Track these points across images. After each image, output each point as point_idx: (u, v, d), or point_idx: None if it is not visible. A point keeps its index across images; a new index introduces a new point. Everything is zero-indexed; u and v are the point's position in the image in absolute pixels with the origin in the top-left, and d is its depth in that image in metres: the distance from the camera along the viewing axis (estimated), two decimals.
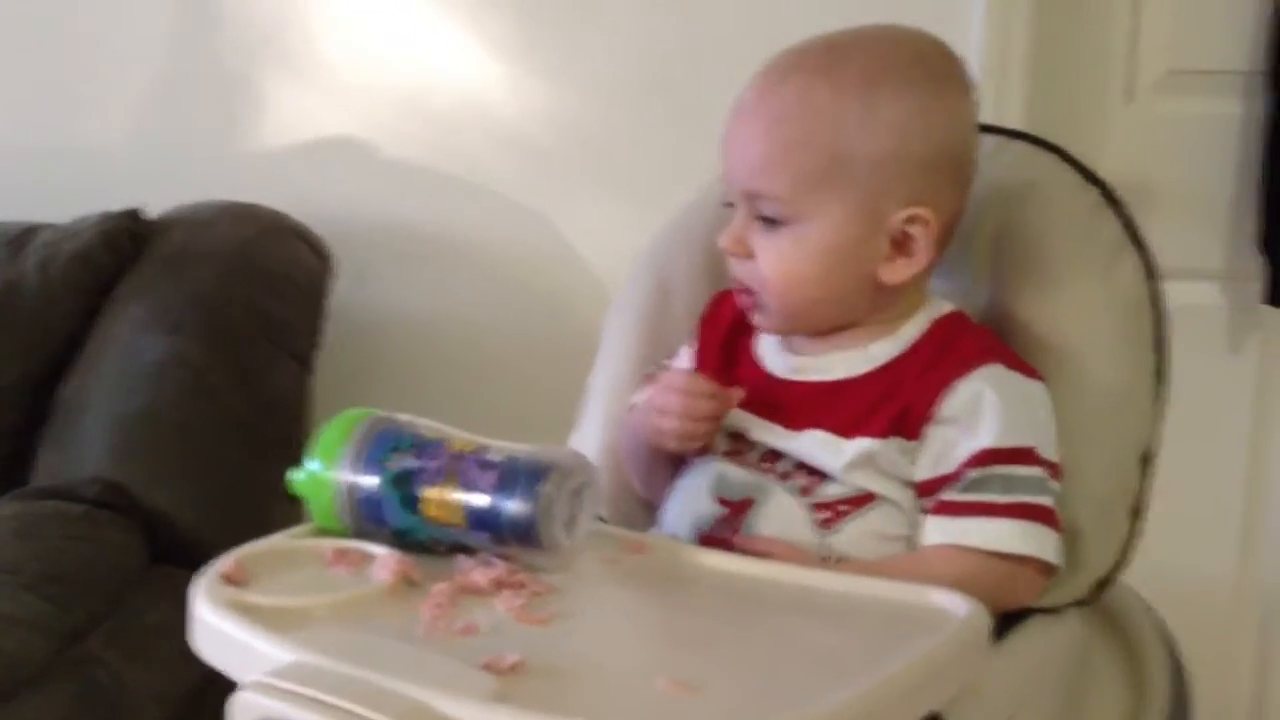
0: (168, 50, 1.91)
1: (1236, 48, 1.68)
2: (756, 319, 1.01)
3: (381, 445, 0.89)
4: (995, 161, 1.06)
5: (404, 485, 0.87)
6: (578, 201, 1.80)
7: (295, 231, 1.74)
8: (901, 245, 0.96)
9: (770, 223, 0.96)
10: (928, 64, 0.97)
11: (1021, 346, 1.00)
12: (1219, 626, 1.76)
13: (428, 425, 0.91)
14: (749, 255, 0.97)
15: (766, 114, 0.96)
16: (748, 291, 0.99)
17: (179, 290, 1.62)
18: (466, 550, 0.87)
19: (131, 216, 1.71)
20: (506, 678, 0.72)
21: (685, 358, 1.08)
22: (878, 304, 0.98)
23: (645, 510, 1.10)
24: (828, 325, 1.00)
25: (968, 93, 0.99)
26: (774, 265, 0.96)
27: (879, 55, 0.96)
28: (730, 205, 1.00)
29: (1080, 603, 1.00)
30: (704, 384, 0.99)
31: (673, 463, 1.04)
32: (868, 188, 0.94)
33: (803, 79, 0.95)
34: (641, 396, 1.08)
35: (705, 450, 1.02)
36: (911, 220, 0.95)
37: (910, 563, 0.94)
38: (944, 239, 0.98)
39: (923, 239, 0.96)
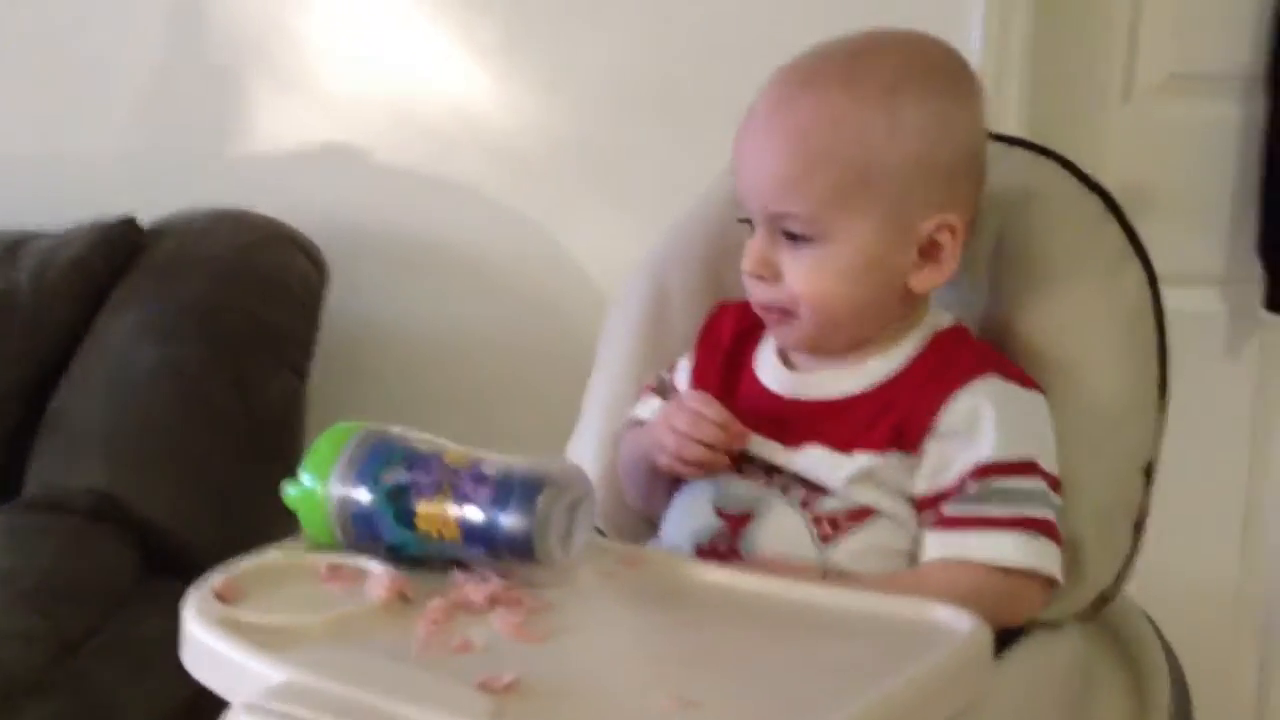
0: (161, 58, 1.90)
1: (1236, 51, 1.68)
2: (782, 334, 0.99)
3: (375, 459, 0.88)
4: (995, 169, 1.05)
5: (398, 500, 0.86)
6: (573, 210, 1.80)
7: (290, 239, 1.73)
8: (929, 253, 0.95)
9: (796, 239, 0.94)
10: (945, 70, 0.97)
11: (1022, 357, 0.99)
12: (1220, 634, 1.76)
13: (422, 438, 0.90)
14: (776, 277, 0.95)
15: (786, 129, 0.94)
16: (780, 310, 0.97)
17: (173, 298, 1.62)
18: (462, 565, 0.86)
19: (126, 224, 1.70)
20: (502, 697, 0.71)
21: (684, 370, 1.07)
22: (903, 313, 0.98)
23: (643, 523, 1.09)
24: (860, 338, 0.98)
25: (980, 97, 0.98)
26: (805, 284, 0.94)
27: (896, 63, 0.94)
28: (746, 222, 0.97)
29: (1082, 616, 1.00)
30: (717, 411, 0.97)
31: (671, 478, 1.03)
32: (896, 199, 0.93)
33: (821, 91, 0.93)
34: (642, 409, 1.08)
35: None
36: (940, 228, 0.94)
37: (912, 578, 0.93)
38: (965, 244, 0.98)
39: (950, 246, 0.95)
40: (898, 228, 0.94)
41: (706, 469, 0.98)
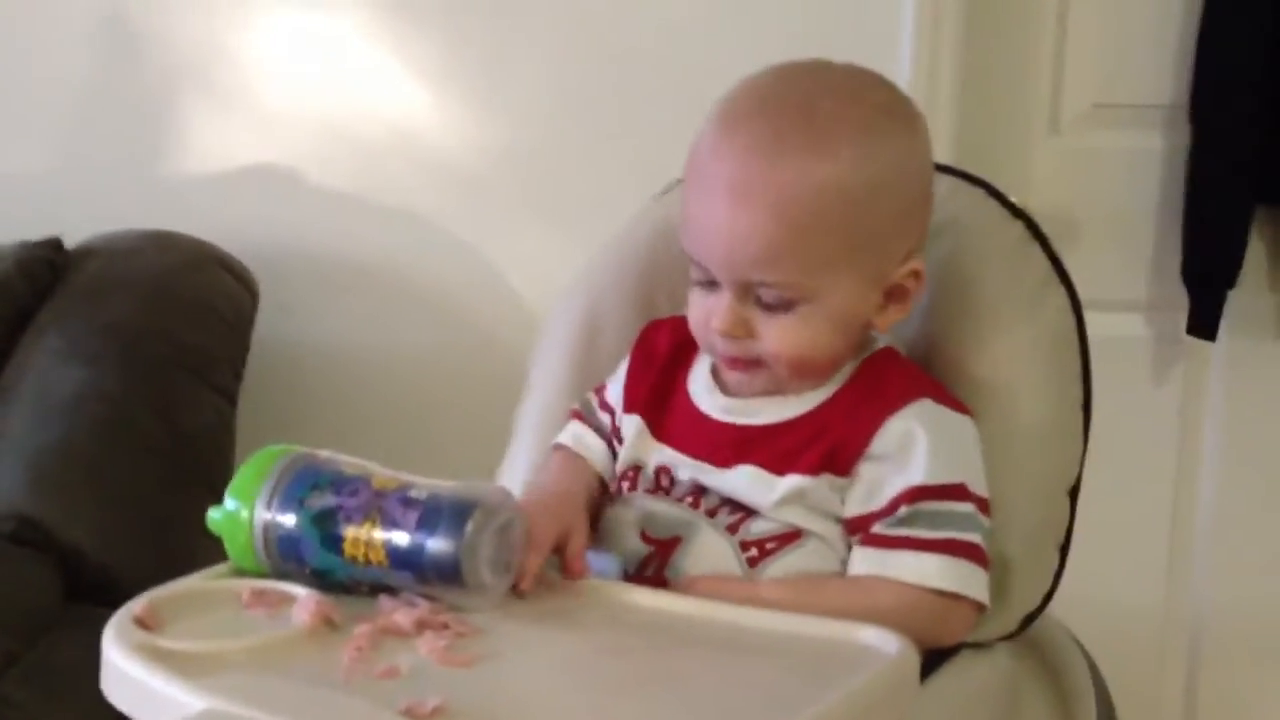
0: (88, 77, 1.88)
1: (1159, 82, 1.71)
2: (746, 381, 0.98)
3: (301, 483, 0.87)
4: None
5: (324, 524, 0.85)
6: (506, 230, 1.80)
7: (218, 260, 1.71)
8: (894, 295, 0.97)
9: (772, 307, 0.94)
10: (898, 110, 0.97)
11: (949, 380, 1.00)
12: (1147, 655, 1.78)
13: (350, 461, 0.89)
14: (750, 336, 0.95)
15: (764, 204, 0.91)
16: (747, 362, 0.96)
17: (97, 320, 1.60)
18: (389, 590, 0.86)
19: (50, 246, 1.68)
20: None
21: (615, 389, 1.07)
22: (858, 345, 0.99)
23: None
24: (823, 377, 0.98)
25: (924, 125, 0.99)
26: (780, 345, 0.94)
27: (860, 117, 0.93)
28: (706, 285, 0.96)
29: (1008, 636, 1.00)
30: (533, 546, 0.90)
31: (590, 509, 1.02)
32: (877, 254, 0.94)
33: (798, 160, 0.91)
34: (564, 435, 1.07)
35: (630, 487, 1.01)
36: (909, 275, 0.96)
37: (843, 588, 0.93)
38: None
39: (916, 289, 0.97)
40: (874, 281, 0.95)
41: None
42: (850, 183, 0.91)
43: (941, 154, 1.60)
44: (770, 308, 0.94)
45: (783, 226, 0.91)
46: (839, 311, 0.94)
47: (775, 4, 1.68)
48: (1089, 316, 1.05)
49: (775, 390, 0.98)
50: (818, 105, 0.93)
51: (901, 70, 1.63)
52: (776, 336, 0.94)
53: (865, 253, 0.93)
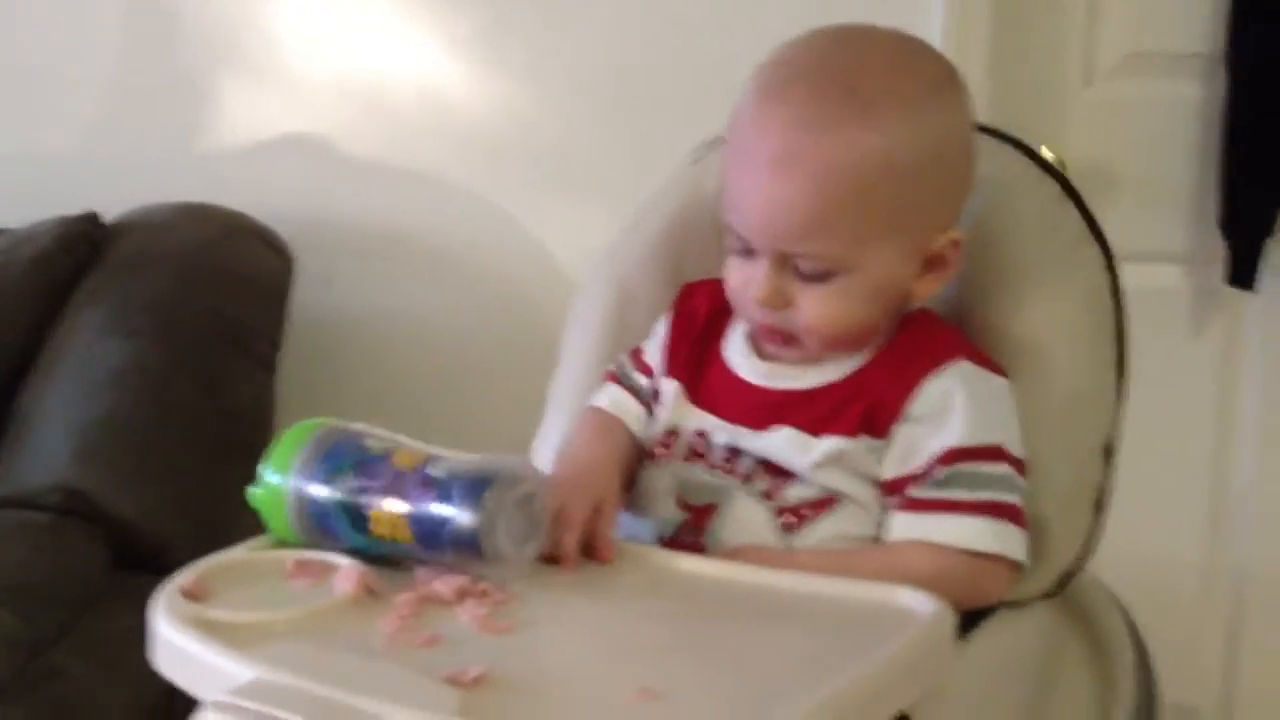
0: (123, 53, 1.89)
1: (1194, 30, 1.68)
2: (783, 352, 0.98)
3: (330, 461, 0.88)
4: None
5: (351, 505, 0.87)
6: (542, 200, 1.80)
7: (255, 232, 1.73)
8: (934, 264, 0.96)
9: (811, 277, 0.93)
10: (945, 82, 0.96)
11: (984, 341, 1.00)
12: (1188, 613, 1.77)
13: (378, 435, 0.90)
14: (788, 305, 0.94)
15: (807, 174, 0.90)
16: (784, 334, 0.96)
17: (137, 294, 1.61)
18: (423, 563, 0.87)
19: (89, 220, 1.69)
20: (470, 690, 0.72)
21: (655, 349, 1.07)
22: (898, 312, 0.98)
23: None
24: (857, 347, 0.98)
25: (967, 95, 0.98)
26: (818, 315, 0.94)
27: (906, 89, 0.92)
28: (743, 253, 0.96)
29: (1045, 595, 1.01)
30: (570, 524, 0.91)
31: (626, 472, 1.03)
32: (919, 226, 0.94)
33: (843, 132, 0.90)
34: (600, 396, 1.08)
35: (665, 454, 1.02)
36: (950, 244, 0.96)
37: (880, 555, 0.93)
38: None
39: (954, 258, 0.97)
40: (914, 252, 0.95)
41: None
42: (895, 156, 0.90)
43: (975, 108, 1.60)
44: (808, 278, 0.94)
45: (824, 199, 0.90)
46: (877, 283, 0.94)
47: None
48: (1126, 268, 1.04)
49: (811, 358, 0.98)
50: (864, 77, 0.92)
51: (933, 24, 1.61)
52: (813, 307, 0.94)
53: (906, 226, 0.93)
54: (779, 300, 0.94)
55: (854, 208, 0.91)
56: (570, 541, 0.91)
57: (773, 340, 0.98)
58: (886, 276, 0.94)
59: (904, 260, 0.95)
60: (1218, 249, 1.69)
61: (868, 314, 0.95)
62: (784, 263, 0.94)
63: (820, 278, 0.93)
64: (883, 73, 0.93)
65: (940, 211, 0.95)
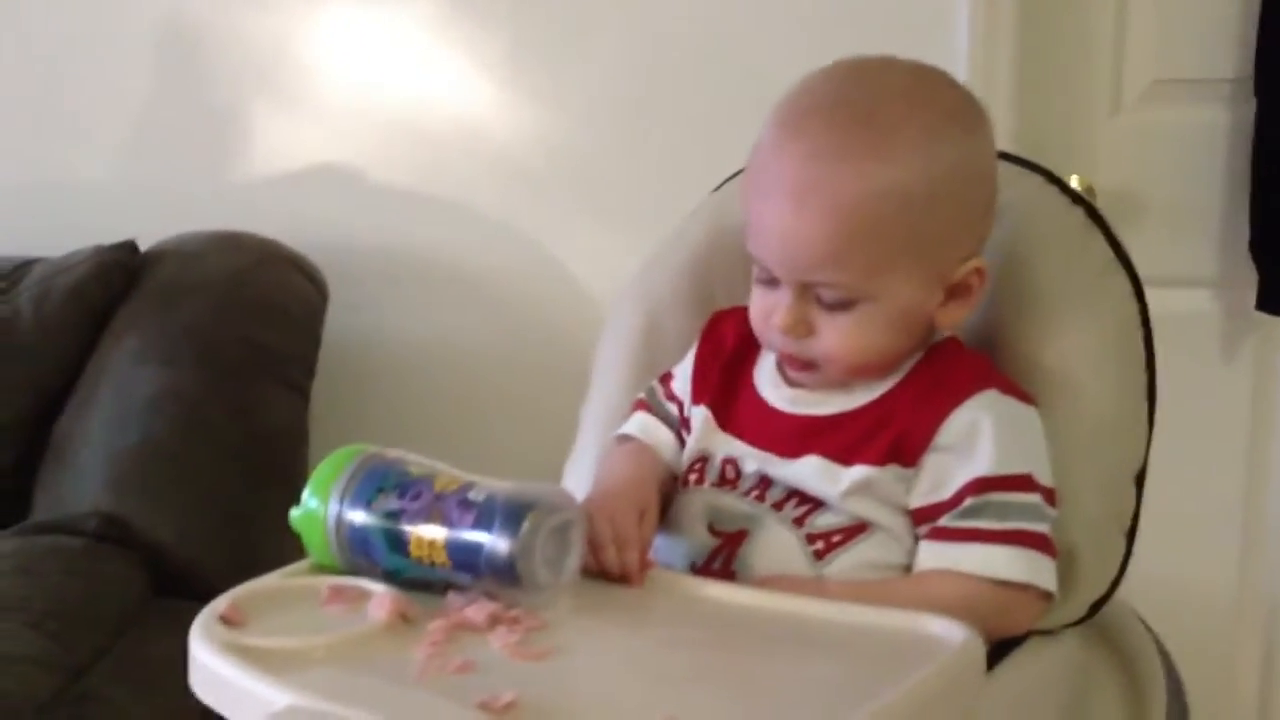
0: (158, 82, 1.91)
1: (1221, 55, 1.68)
2: (806, 379, 0.99)
3: (370, 484, 0.89)
4: None
5: (390, 526, 0.87)
6: (571, 226, 1.81)
7: (288, 259, 1.74)
8: (957, 292, 0.97)
9: (832, 306, 0.94)
10: (964, 113, 0.96)
11: (1013, 369, 1.00)
12: (1222, 639, 1.76)
13: (417, 461, 0.91)
14: (810, 334, 0.95)
15: (825, 206, 0.91)
16: (804, 362, 0.97)
17: (173, 322, 1.63)
18: (457, 588, 0.87)
19: (125, 249, 1.71)
20: (502, 716, 0.72)
21: (683, 378, 1.08)
22: (924, 340, 0.99)
23: None
24: (880, 375, 0.98)
25: (990, 127, 0.98)
26: (839, 344, 0.95)
27: (925, 120, 0.93)
28: (768, 283, 0.97)
29: (1076, 624, 1.01)
30: (629, 543, 0.93)
31: (661, 498, 1.04)
32: (936, 256, 0.94)
33: (859, 164, 0.91)
34: (630, 424, 1.09)
35: (697, 480, 1.02)
36: (972, 272, 0.96)
37: (909, 585, 0.94)
38: None
39: (978, 286, 0.97)
40: (935, 280, 0.95)
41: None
42: (912, 187, 0.91)
43: (1002, 137, 1.57)
44: (830, 307, 0.94)
45: (843, 230, 0.91)
46: (898, 312, 0.95)
47: (834, 1, 1.67)
48: (1156, 294, 1.05)
49: (837, 384, 0.99)
50: (880, 108, 0.93)
51: (959, 53, 1.62)
52: (834, 337, 0.95)
53: (926, 256, 0.94)
54: (802, 329, 0.95)
55: (871, 239, 0.91)
56: (634, 559, 0.92)
57: (794, 367, 0.99)
58: (908, 305, 0.95)
59: (925, 289, 0.95)
60: (1248, 274, 1.68)
61: (890, 343, 0.96)
62: (806, 292, 0.94)
63: (841, 306, 0.94)
64: (899, 103, 0.94)
65: (960, 240, 0.95)
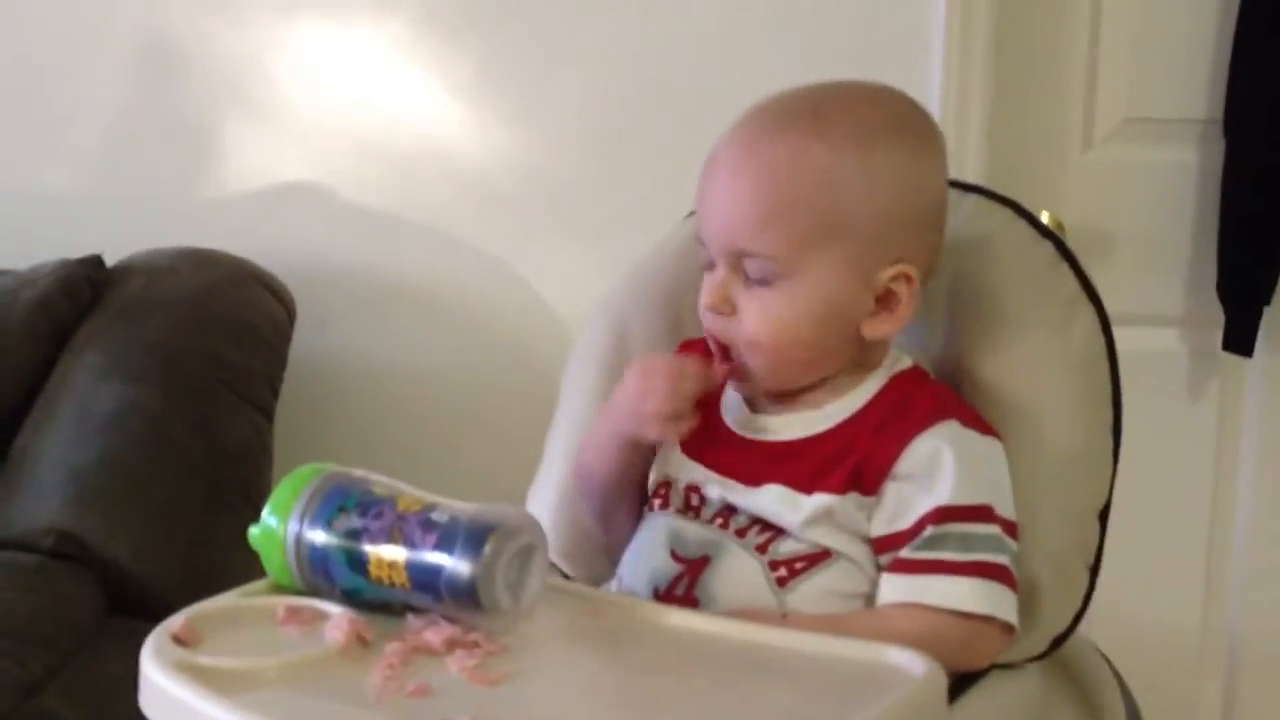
0: (128, 96, 1.90)
1: (1192, 96, 1.71)
2: (739, 386, 1.00)
3: (331, 502, 0.88)
4: (951, 214, 1.06)
5: (350, 545, 0.86)
6: (541, 247, 1.81)
7: (256, 277, 1.73)
8: (885, 301, 0.97)
9: (756, 280, 0.95)
10: (912, 123, 0.98)
11: (978, 402, 1.01)
12: (1183, 674, 1.77)
13: (380, 482, 0.90)
14: (733, 313, 0.97)
15: (757, 171, 0.94)
16: (725, 355, 0.98)
17: (137, 338, 1.62)
18: (416, 610, 0.87)
19: (91, 263, 1.70)
20: None
21: None
22: (855, 358, 0.99)
23: (602, 563, 1.10)
24: (806, 382, 0.99)
25: (943, 150, 1.00)
26: (759, 323, 0.96)
27: (867, 117, 0.96)
28: (710, 268, 0.98)
29: (1037, 658, 1.00)
30: (689, 363, 0.99)
31: (631, 498, 1.04)
32: (860, 246, 0.94)
33: (795, 137, 0.94)
34: (599, 425, 1.07)
35: (662, 504, 1.02)
36: (897, 278, 0.96)
37: (870, 619, 0.93)
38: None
39: (906, 295, 0.96)
40: (858, 275, 0.95)
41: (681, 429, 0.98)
42: (839, 166, 0.93)
43: (973, 170, 1.62)
44: (755, 283, 0.95)
45: (770, 197, 0.94)
46: (819, 300, 0.95)
47: (806, 23, 1.69)
48: (1124, 332, 1.05)
49: (770, 391, 0.99)
50: (827, 103, 0.96)
51: (932, 87, 1.63)
52: (755, 317, 0.96)
53: (849, 243, 0.94)
54: (726, 306, 0.97)
55: (796, 209, 0.93)
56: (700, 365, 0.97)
57: (723, 362, 0.99)
58: (829, 296, 0.95)
59: (849, 282, 0.95)
60: (1215, 313, 1.70)
61: (811, 336, 0.96)
62: (735, 267, 0.96)
63: (764, 283, 0.95)
64: (848, 102, 0.97)
65: (890, 241, 0.95)
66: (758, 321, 0.96)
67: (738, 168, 0.96)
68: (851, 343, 0.98)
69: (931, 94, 1.62)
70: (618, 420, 1.02)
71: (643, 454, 1.05)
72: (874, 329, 0.97)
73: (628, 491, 1.06)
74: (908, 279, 0.96)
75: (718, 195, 0.96)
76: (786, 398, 1.00)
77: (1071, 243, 1.08)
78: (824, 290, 0.94)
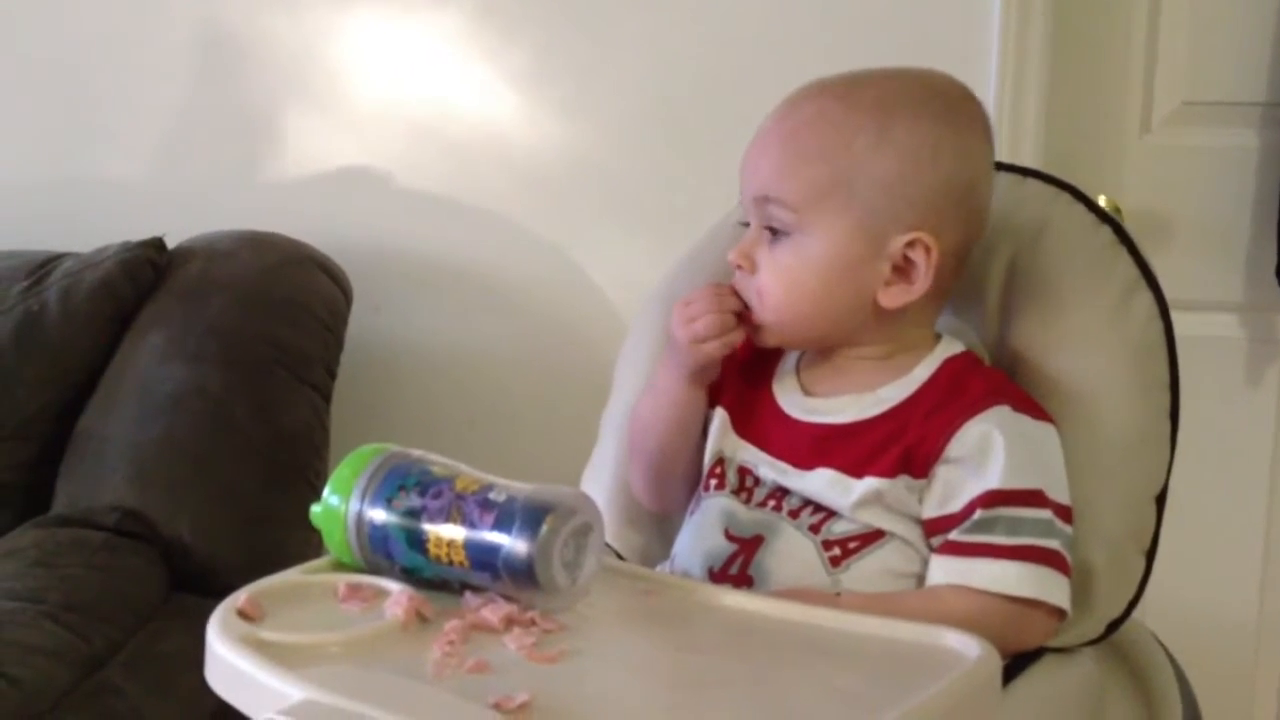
0: (190, 82, 1.93)
1: (1251, 79, 1.68)
2: (753, 336, 1.02)
3: (391, 482, 0.89)
4: (1008, 199, 1.07)
5: (410, 524, 0.88)
6: (593, 233, 1.81)
7: (314, 260, 1.75)
8: (902, 271, 0.97)
9: (776, 235, 0.98)
10: (945, 99, 0.99)
11: (1033, 387, 1.00)
12: (1240, 662, 1.75)
13: (438, 461, 0.91)
14: (754, 270, 0.99)
15: (783, 129, 0.99)
16: (742, 309, 1.01)
17: (198, 319, 1.63)
18: (473, 588, 0.88)
19: (152, 245, 1.71)
20: (515, 717, 0.72)
21: None
22: (878, 330, 0.99)
23: (657, 544, 1.10)
24: (823, 343, 1.01)
25: (984, 133, 1.00)
26: (773, 276, 0.98)
27: (897, 86, 0.99)
28: (745, 225, 1.02)
29: (1092, 642, 1.00)
30: (723, 285, 1.02)
31: (686, 460, 1.05)
32: (872, 207, 0.96)
33: (821, 100, 0.98)
34: (655, 378, 1.09)
35: (718, 485, 1.03)
36: (912, 245, 0.96)
37: (921, 599, 0.94)
38: (948, 272, 0.99)
39: (923, 265, 0.96)
40: (870, 237, 0.96)
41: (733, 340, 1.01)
42: (860, 127, 0.96)
43: (1031, 154, 1.61)
44: (772, 236, 0.98)
45: (789, 148, 0.98)
46: (830, 256, 0.96)
47: (862, 14, 1.68)
48: (1182, 317, 1.05)
49: (845, 386, 1.00)
50: (869, 74, 0.99)
51: (989, 72, 1.62)
52: (769, 271, 0.98)
53: (860, 197, 0.96)
54: (747, 261, 1.00)
55: (806, 159, 0.96)
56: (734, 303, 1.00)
57: (746, 328, 1.01)
58: (836, 251, 0.96)
59: (856, 240, 0.96)
60: (1275, 299, 1.67)
61: (816, 289, 0.97)
62: (760, 220, 0.99)
63: (782, 235, 0.97)
64: (886, 76, 1.00)
65: (908, 204, 0.96)
66: (769, 274, 0.98)
67: (773, 125, 1.00)
68: (867, 310, 0.98)
69: (988, 79, 1.61)
70: (675, 356, 1.04)
71: (699, 406, 1.06)
72: (890, 298, 0.97)
73: (682, 454, 1.07)
74: (926, 249, 0.96)
75: (753, 148, 1.01)
76: (838, 379, 1.01)
77: (1130, 227, 1.08)
78: (833, 247, 0.96)
